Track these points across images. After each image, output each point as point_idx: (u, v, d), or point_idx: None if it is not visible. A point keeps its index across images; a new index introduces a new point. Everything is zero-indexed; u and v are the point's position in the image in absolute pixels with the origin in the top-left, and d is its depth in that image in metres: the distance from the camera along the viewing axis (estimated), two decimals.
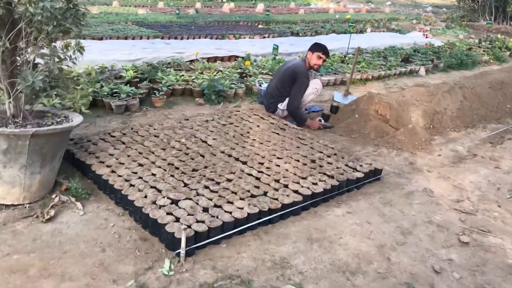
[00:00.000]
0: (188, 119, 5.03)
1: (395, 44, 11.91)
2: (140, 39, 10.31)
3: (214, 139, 4.50)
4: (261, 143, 4.54)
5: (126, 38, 10.13)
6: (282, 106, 5.52)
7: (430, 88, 6.45)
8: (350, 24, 10.07)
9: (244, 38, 12.03)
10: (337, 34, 13.63)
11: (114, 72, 6.40)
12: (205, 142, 4.43)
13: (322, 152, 4.44)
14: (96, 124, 5.03)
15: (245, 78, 7.15)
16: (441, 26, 18.82)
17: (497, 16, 19.84)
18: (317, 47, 5.47)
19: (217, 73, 7.05)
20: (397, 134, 5.29)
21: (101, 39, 9.73)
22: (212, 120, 5.07)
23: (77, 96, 3.56)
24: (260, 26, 14.29)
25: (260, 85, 6.30)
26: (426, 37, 14.42)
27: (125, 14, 13.81)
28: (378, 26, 16.69)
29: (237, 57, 9.13)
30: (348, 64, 9.27)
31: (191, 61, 8.13)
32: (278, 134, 4.84)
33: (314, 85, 5.53)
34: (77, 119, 3.56)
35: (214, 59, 9.01)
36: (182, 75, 6.63)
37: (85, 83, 5.33)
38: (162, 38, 10.61)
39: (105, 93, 5.48)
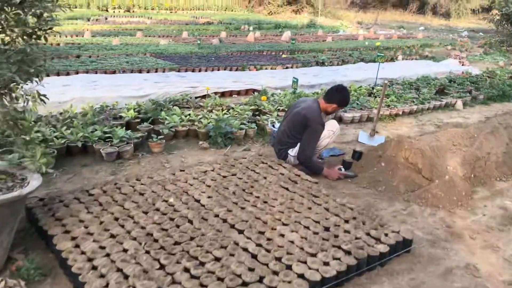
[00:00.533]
0: (184, 170, 4.35)
1: (428, 74, 11.02)
2: (156, 72, 9.86)
3: (209, 197, 3.80)
4: (265, 202, 3.80)
5: (140, 71, 9.68)
6: (294, 152, 4.78)
7: (470, 129, 5.57)
8: (378, 54, 9.31)
9: (266, 69, 11.45)
10: (365, 63, 12.85)
11: (113, 111, 5.85)
12: (198, 201, 3.74)
13: (338, 216, 3.65)
14: (81, 175, 4.44)
15: (259, 116, 6.46)
16: (479, 52, 17.74)
17: None
18: (332, 98, 4.69)
19: (227, 110, 6.42)
20: (431, 188, 4.43)
21: (114, 72, 9.31)
22: (212, 170, 4.38)
23: (37, 154, 2.96)
24: (283, 55, 13.71)
25: (273, 126, 5.60)
26: (463, 65, 13.45)
27: (145, 45, 13.51)
28: (410, 53, 15.81)
29: (255, 90, 8.51)
30: (376, 97, 8.48)
31: (203, 96, 7.54)
32: (287, 189, 4.09)
33: (331, 127, 4.78)
34: (33, 183, 2.94)
35: (230, 93, 8.44)
36: (189, 114, 6.02)
37: (77, 126, 4.78)
38: (179, 70, 10.13)
39: (96, 138, 4.90)
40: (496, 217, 4.25)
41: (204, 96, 7.50)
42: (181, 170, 4.35)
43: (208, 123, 5.57)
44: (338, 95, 4.68)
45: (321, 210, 3.74)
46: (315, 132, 4.57)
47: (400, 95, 8.48)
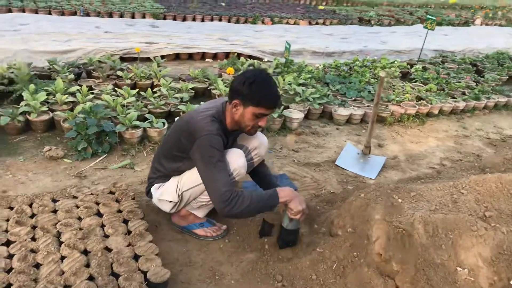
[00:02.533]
0: None
1: (508, 49, 7.92)
2: (132, 17, 7.69)
3: None
4: None
5: (111, 15, 7.55)
6: (159, 191, 2.51)
7: None
8: (428, 16, 6.44)
9: (287, 23, 8.88)
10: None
11: None
12: None
13: None
14: None
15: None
16: None
17: None
18: (239, 94, 2.20)
19: (151, 87, 4.22)
20: None
21: (74, 14, 7.28)
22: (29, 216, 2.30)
23: None
24: (320, 7, 10.90)
25: None
26: None
27: None
28: (494, 17, 12.22)
29: (240, 55, 6.13)
30: (414, 80, 5.80)
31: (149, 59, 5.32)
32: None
33: (235, 156, 2.36)
34: None
35: (202, 55, 6.13)
36: (70, 93, 3.86)
37: None
38: (164, 18, 7.90)
39: None
40: None
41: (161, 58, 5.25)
42: None
43: (78, 113, 3.41)
44: (249, 90, 2.18)
45: None
46: (208, 154, 2.18)
47: (447, 81, 5.72)
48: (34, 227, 2.31)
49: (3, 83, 3.95)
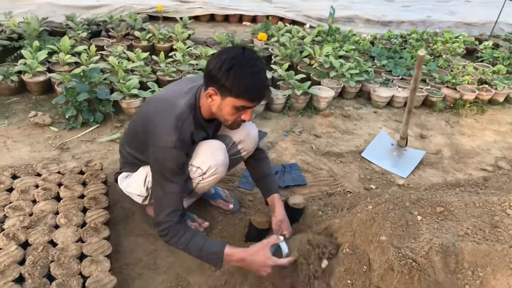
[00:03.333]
0: None
1: None
2: None
3: None
4: None
5: None
6: (126, 181, 2.11)
7: None
8: None
9: None
10: None
11: None
12: None
13: None
14: None
15: None
16: None
17: None
18: (215, 81, 1.63)
19: (170, 52, 3.82)
20: None
21: None
22: None
23: None
24: None
25: None
26: None
27: None
28: None
29: (282, 19, 5.55)
30: (480, 59, 4.97)
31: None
32: None
33: (200, 160, 1.87)
34: None
35: (239, 18, 5.61)
36: (84, 51, 3.55)
37: None
38: None
39: None
40: None
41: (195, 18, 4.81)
42: None
43: (72, 74, 3.06)
44: (227, 77, 1.62)
45: None
46: (159, 170, 1.74)
47: None
48: None
49: (12, 38, 3.71)
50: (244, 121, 1.77)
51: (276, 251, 1.79)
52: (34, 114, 2.86)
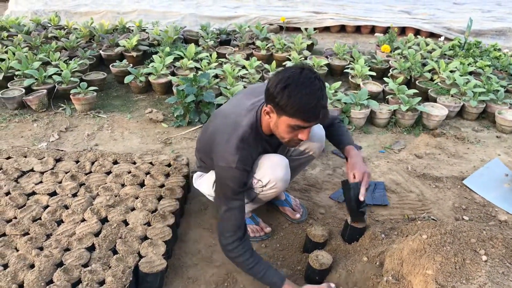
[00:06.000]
0: (61, 159, 2.65)
1: None
2: None
3: None
4: None
5: None
6: (199, 181, 2.29)
7: None
8: None
9: None
10: None
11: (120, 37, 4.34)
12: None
13: None
14: None
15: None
16: None
17: None
18: (285, 101, 1.62)
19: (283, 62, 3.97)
20: None
21: None
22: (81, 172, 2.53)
23: None
24: None
25: None
26: None
27: None
28: None
29: (419, 32, 5.26)
30: None
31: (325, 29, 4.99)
32: None
33: (262, 173, 1.92)
34: None
35: (371, 29, 5.49)
36: (199, 59, 3.92)
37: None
38: None
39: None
40: None
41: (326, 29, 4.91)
42: (57, 160, 2.63)
43: (188, 79, 3.40)
44: (281, 96, 1.63)
45: None
46: (222, 188, 1.84)
47: None
48: (82, 184, 2.42)
49: (152, 44, 4.28)
50: (301, 140, 1.78)
51: None
52: (149, 111, 3.27)
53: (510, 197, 2.65)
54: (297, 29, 5.34)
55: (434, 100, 3.52)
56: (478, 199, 2.63)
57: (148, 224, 2.16)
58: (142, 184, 2.44)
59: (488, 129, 3.42)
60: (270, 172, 1.91)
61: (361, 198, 1.89)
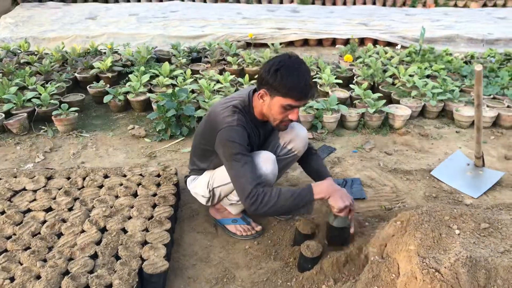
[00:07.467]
0: (51, 177, 2.70)
1: None
2: (280, 3, 7.72)
3: None
4: None
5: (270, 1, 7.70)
6: (193, 184, 2.43)
7: None
8: None
9: (456, 5, 7.77)
10: None
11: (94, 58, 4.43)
12: None
13: None
14: None
15: None
16: None
17: None
18: (265, 83, 1.94)
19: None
20: None
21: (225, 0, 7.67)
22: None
23: None
24: None
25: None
26: None
27: None
28: None
29: (377, 41, 5.61)
30: None
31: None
32: None
33: (263, 160, 2.11)
34: None
35: (332, 41, 5.80)
36: (181, 75, 4.07)
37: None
38: (313, 2, 7.71)
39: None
40: None
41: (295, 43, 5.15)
42: (48, 178, 2.69)
43: (165, 94, 3.54)
44: (275, 78, 1.89)
45: None
46: (229, 148, 1.98)
47: None
48: (76, 199, 2.50)
49: (126, 65, 4.39)
50: (291, 121, 2.00)
51: None
52: (132, 127, 3.39)
53: (472, 183, 2.91)
54: (264, 45, 5.58)
55: (398, 102, 3.81)
56: (445, 188, 2.89)
57: (146, 230, 2.27)
58: (135, 195, 2.55)
59: (448, 126, 3.73)
60: (260, 166, 2.08)
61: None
